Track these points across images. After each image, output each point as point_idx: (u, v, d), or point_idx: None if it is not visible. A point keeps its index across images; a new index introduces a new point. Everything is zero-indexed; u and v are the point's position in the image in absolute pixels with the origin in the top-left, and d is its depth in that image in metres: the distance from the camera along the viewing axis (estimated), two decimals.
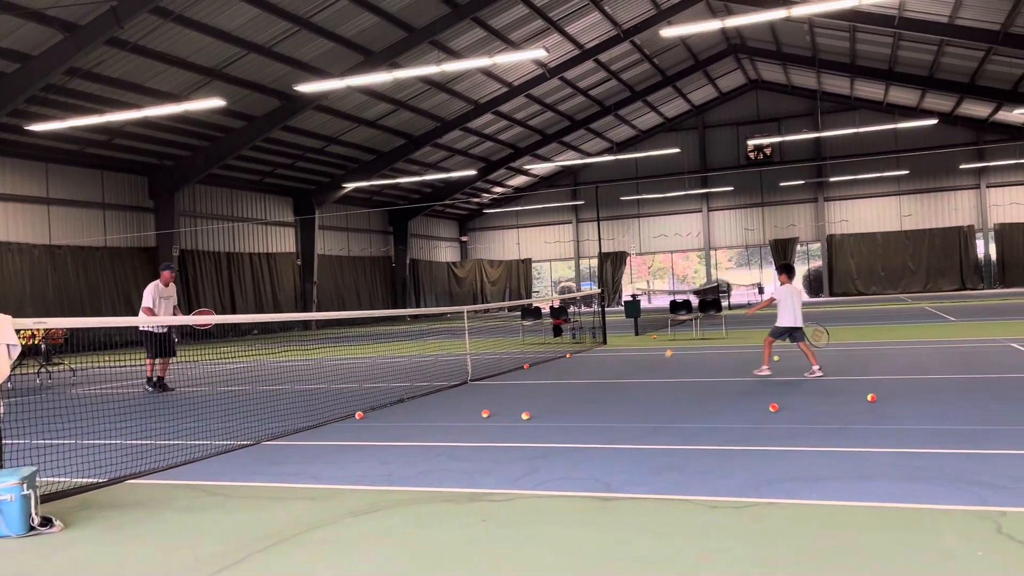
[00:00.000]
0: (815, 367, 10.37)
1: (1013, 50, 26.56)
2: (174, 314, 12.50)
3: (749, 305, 36.04)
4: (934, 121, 32.64)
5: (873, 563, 3.67)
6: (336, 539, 4.41)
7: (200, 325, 12.96)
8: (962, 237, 41.19)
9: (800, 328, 10.56)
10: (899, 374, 10.34)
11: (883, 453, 5.83)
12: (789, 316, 10.50)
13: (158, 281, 12.41)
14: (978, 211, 41.18)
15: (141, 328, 12.37)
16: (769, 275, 45.15)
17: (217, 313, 29.82)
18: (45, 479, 5.82)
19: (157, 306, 12.24)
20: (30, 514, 4.76)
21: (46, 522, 4.82)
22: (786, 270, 10.83)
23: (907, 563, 3.65)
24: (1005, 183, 40.71)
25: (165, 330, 12.34)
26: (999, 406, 7.59)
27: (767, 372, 10.58)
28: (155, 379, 12.33)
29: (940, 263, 41.48)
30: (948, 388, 8.94)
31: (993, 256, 41.22)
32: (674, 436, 6.88)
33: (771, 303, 10.74)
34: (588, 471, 5.71)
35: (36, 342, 15.21)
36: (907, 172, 41.38)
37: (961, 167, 40.42)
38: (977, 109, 36.91)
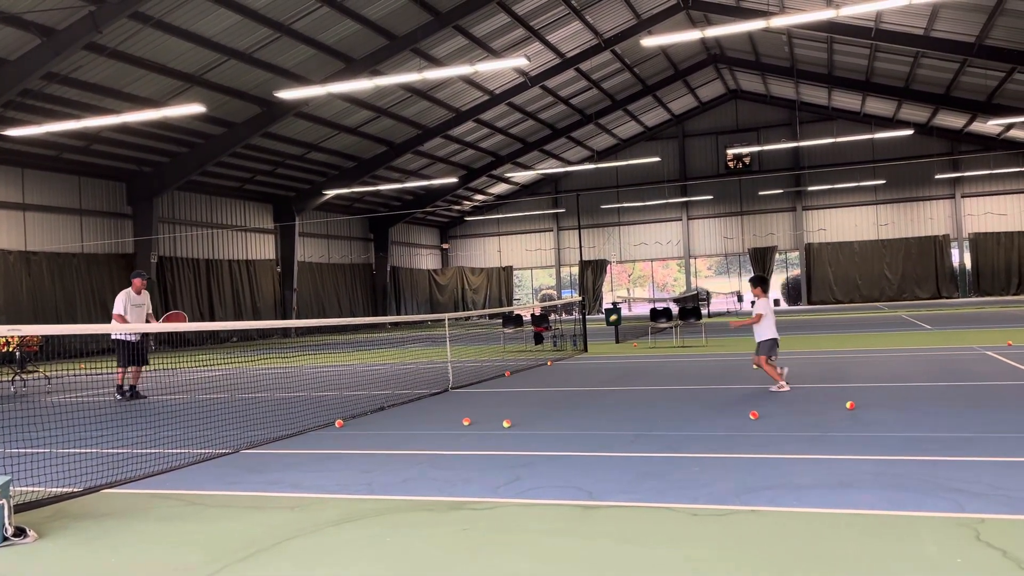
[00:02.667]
0: (784, 372, 10.22)
1: (987, 62, 26.96)
2: (147, 322, 12.35)
3: (729, 314, 36.24)
4: (910, 131, 33.04)
5: (853, 570, 3.68)
6: (316, 548, 4.37)
7: (172, 330, 12.83)
8: (937, 246, 41.71)
9: (777, 340, 10.33)
10: (877, 382, 10.43)
11: (862, 460, 5.87)
12: (773, 328, 10.21)
13: (129, 289, 12.28)
14: (953, 220, 41.72)
15: (113, 336, 12.22)
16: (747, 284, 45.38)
17: (196, 320, 29.57)
18: (19, 488, 5.73)
19: (129, 314, 12.10)
20: (3, 524, 4.68)
21: (19, 532, 4.75)
22: (762, 283, 10.54)
23: (886, 570, 3.67)
24: (979, 193, 41.30)
25: (138, 338, 12.20)
26: (976, 413, 7.66)
27: (785, 387, 10.07)
28: (126, 388, 12.19)
29: (916, 272, 41.98)
30: (925, 396, 9.03)
31: (968, 265, 41.76)
32: (655, 444, 6.90)
33: (759, 320, 10.18)
34: (569, 479, 5.70)
35: (11, 349, 15.00)
36: (884, 182, 41.88)
37: (937, 177, 40.97)
38: (952, 120, 37.43)
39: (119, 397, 12.04)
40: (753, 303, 10.50)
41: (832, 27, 27.50)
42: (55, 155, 25.18)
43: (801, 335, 20.19)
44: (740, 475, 5.58)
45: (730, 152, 43.08)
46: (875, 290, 42.63)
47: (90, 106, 22.20)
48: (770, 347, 10.20)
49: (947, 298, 41.15)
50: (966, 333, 17.94)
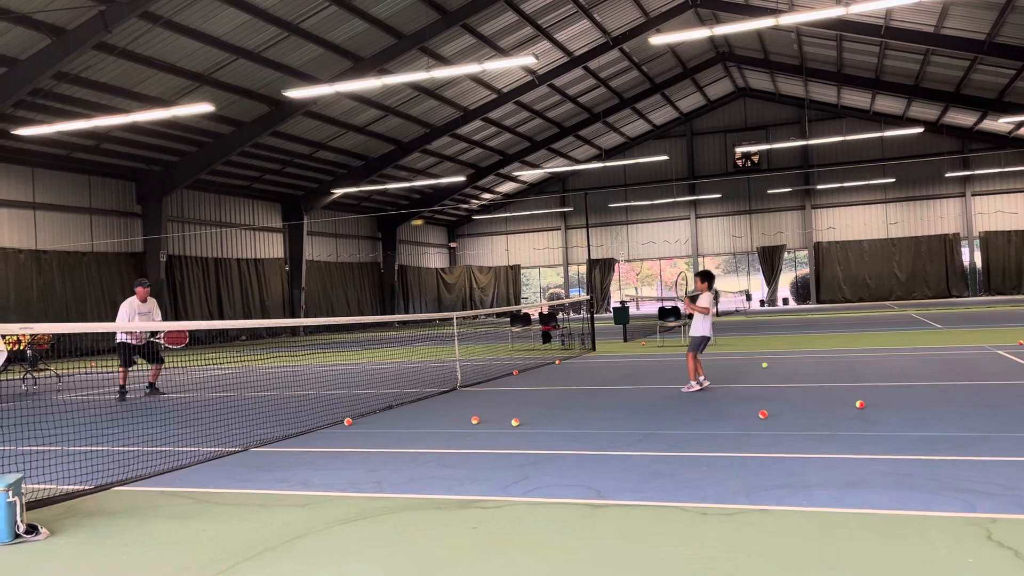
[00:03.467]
0: (701, 379, 10.06)
1: (998, 59, 26.82)
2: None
3: (737, 312, 36.16)
4: (920, 130, 32.93)
5: (862, 571, 3.67)
6: (325, 547, 4.38)
7: (169, 343, 12.85)
8: (948, 245, 41.52)
9: (710, 339, 10.26)
10: (887, 381, 10.38)
11: (872, 460, 5.84)
12: (710, 325, 10.14)
13: (134, 297, 12.17)
14: (963, 219, 41.52)
15: (117, 339, 12.25)
16: (757, 282, 45.37)
17: (205, 319, 29.65)
18: (31, 486, 5.77)
19: (133, 322, 12.10)
20: (15, 521, 4.70)
21: (31, 530, 4.77)
22: (708, 277, 10.24)
23: (897, 571, 3.65)
24: (990, 191, 41.10)
25: (142, 341, 12.21)
26: (987, 413, 7.63)
27: (696, 388, 10.02)
28: (126, 388, 12.21)
29: (926, 271, 41.80)
30: (936, 395, 8.99)
31: (978, 264, 41.57)
32: (663, 443, 6.89)
33: (707, 312, 10.07)
34: (578, 478, 5.70)
35: (22, 348, 15.08)
36: (893, 180, 41.71)
37: (947, 175, 40.78)
38: (962, 118, 37.25)
39: (118, 396, 12.06)
40: (694, 297, 10.34)
41: (842, 25, 27.41)
42: (65, 154, 25.30)
43: (810, 334, 20.13)
44: (749, 474, 5.57)
45: (739, 150, 42.98)
46: (884, 289, 42.47)
47: (100, 105, 22.30)
48: (701, 344, 10.14)
49: (957, 297, 40.96)
50: (977, 332, 17.86)
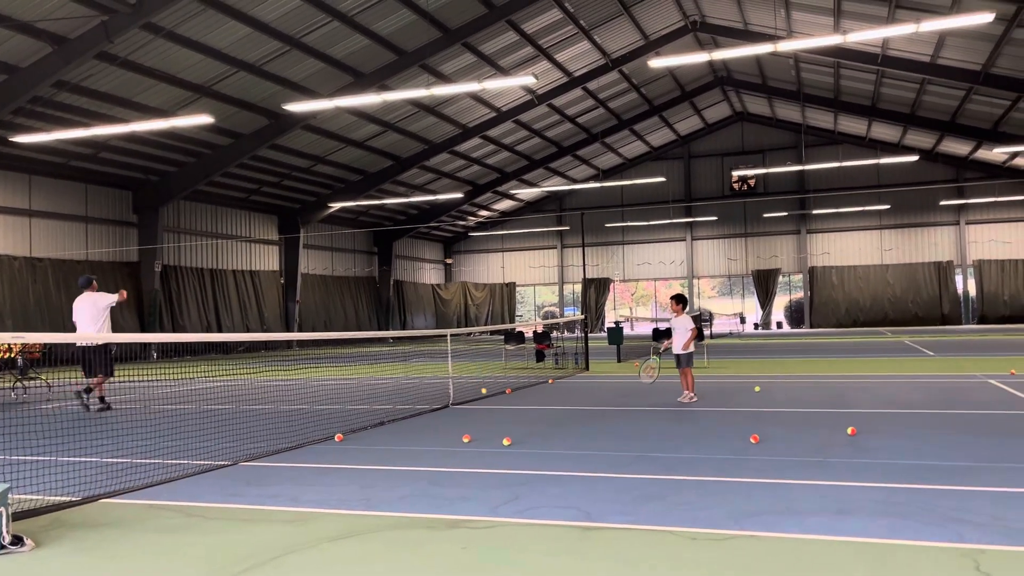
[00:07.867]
0: (690, 393, 11.12)
1: (993, 90, 27.07)
2: None
3: (731, 335, 36.18)
4: (915, 157, 33.11)
5: None
6: (313, 564, 4.36)
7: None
8: (942, 272, 41.70)
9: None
10: (879, 407, 10.39)
11: (862, 487, 5.84)
12: (683, 342, 11.25)
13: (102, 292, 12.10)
14: (957, 247, 41.73)
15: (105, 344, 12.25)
16: (752, 305, 45.45)
17: (202, 330, 29.56)
18: (17, 496, 5.73)
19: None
20: (1, 533, 4.67)
21: (17, 541, 4.74)
22: (683, 300, 11.59)
23: None
24: (984, 220, 41.34)
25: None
26: (978, 442, 7.63)
27: (694, 397, 11.12)
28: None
29: (920, 297, 41.94)
30: (927, 423, 9.00)
31: (972, 292, 41.72)
32: (655, 465, 6.88)
33: (695, 335, 11.26)
34: (569, 499, 5.68)
35: (12, 356, 15.01)
36: (888, 207, 41.93)
37: (941, 203, 41.03)
38: (957, 147, 37.53)
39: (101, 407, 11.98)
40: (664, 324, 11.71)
41: (839, 52, 27.65)
42: (63, 162, 25.32)
43: (803, 359, 20.15)
44: (740, 499, 5.56)
45: (735, 174, 43.22)
46: (878, 314, 42.59)
47: (99, 114, 22.35)
48: (690, 359, 11.30)
49: (951, 324, 41.08)
50: (969, 360, 17.89)
